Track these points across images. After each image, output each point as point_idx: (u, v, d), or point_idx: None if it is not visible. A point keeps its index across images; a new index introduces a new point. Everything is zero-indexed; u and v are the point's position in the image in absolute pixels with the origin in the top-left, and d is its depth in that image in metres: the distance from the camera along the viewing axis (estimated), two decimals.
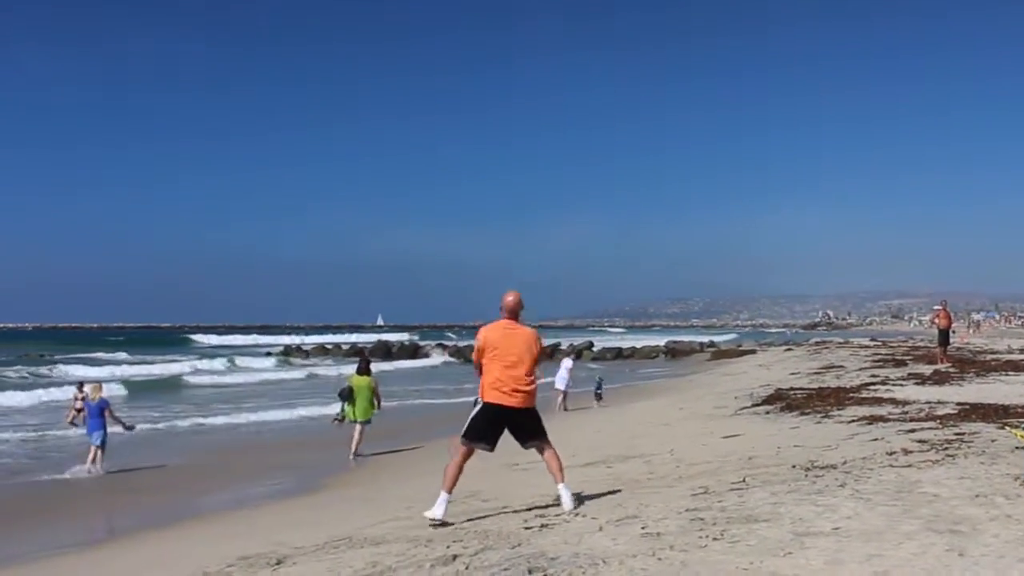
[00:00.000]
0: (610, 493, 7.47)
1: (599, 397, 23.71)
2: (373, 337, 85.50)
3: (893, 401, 13.14)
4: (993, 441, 8.18)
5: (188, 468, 14.90)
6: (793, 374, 24.26)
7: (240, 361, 51.86)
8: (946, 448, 7.88)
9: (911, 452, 7.81)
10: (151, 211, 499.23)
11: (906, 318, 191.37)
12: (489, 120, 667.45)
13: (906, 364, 23.75)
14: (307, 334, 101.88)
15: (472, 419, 6.91)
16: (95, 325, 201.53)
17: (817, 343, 54.83)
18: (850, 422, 10.96)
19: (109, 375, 38.95)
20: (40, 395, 27.75)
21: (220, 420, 21.68)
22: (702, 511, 6.01)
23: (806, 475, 7.12)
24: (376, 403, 15.69)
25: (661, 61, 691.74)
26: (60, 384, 30.63)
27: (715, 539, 5.13)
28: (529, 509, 7.12)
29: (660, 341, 68.89)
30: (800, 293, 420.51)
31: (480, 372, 7.01)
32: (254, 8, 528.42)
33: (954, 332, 31.17)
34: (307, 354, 62.97)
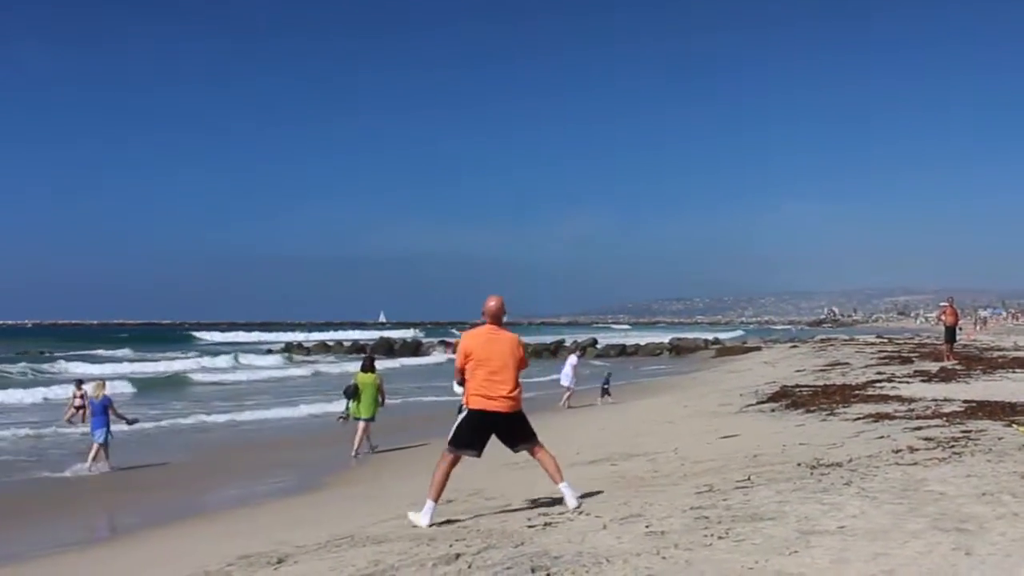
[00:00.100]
0: (614, 491, 7.43)
1: (606, 392, 23.13)
2: (375, 334, 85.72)
3: (899, 399, 13.08)
4: (1000, 439, 8.13)
5: (190, 466, 14.91)
6: (798, 371, 24.15)
7: (244, 358, 51.81)
8: (952, 446, 7.84)
9: (917, 450, 7.76)
10: (151, 208, 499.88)
11: (912, 315, 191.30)
12: (490, 115, 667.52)
13: (912, 361, 23.63)
14: (309, 331, 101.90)
15: (457, 426, 6.86)
16: (95, 322, 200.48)
17: (822, 340, 54.58)
18: (856, 420, 10.91)
19: (113, 372, 38.93)
20: (41, 392, 27.70)
21: (223, 418, 21.65)
22: (707, 509, 5.97)
23: (811, 473, 7.08)
24: (381, 400, 15.70)
25: (663, 55, 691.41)
26: (61, 381, 30.58)
27: (720, 538, 5.10)
28: (532, 507, 7.10)
29: (664, 338, 68.83)
30: (805, 290, 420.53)
31: (462, 380, 6.94)
32: (253, 3, 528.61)
33: (961, 329, 31.00)
34: (309, 351, 63.00)
